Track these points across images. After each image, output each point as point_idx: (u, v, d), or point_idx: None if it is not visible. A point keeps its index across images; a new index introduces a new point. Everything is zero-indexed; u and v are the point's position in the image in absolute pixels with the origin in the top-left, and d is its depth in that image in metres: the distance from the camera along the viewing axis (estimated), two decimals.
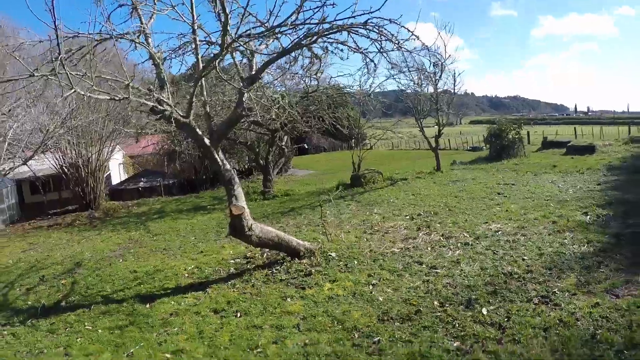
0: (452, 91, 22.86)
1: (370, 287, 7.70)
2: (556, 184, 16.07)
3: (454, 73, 22.86)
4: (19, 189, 28.78)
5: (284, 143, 24.45)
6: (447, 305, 6.62)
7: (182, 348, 6.28)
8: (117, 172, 35.53)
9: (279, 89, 18.05)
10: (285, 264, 9.45)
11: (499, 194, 15.19)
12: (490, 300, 6.55)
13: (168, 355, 6.13)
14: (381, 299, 7.09)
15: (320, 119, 22.63)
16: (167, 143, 31.11)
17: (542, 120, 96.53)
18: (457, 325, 5.97)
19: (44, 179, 28.22)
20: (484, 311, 6.21)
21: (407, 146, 58.55)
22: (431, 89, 22.51)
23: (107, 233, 17.40)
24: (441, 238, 10.31)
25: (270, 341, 6.15)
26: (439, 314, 6.34)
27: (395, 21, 7.98)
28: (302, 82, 18.26)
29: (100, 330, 7.40)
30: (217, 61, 8.24)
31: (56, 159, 24.68)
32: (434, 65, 20.40)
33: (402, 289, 7.40)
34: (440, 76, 21.57)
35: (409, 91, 23.99)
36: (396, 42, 8.36)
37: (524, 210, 12.20)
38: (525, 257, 8.31)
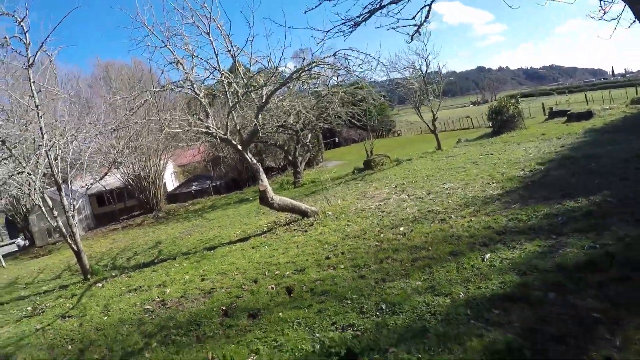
0: (438, 81, 27.51)
1: (346, 226, 12.77)
2: (528, 150, 20.17)
3: (439, 66, 27.58)
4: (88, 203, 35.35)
5: (307, 140, 29.76)
6: (383, 229, 11.60)
7: (233, 262, 11.67)
8: (170, 181, 41.79)
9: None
10: (297, 222, 14.73)
11: (474, 162, 19.55)
12: (408, 225, 11.46)
13: (226, 266, 11.48)
14: (348, 231, 12.17)
15: (337, 116, 27.66)
16: (212, 151, 36.97)
17: (577, 87, 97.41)
18: (382, 236, 10.95)
19: (111, 192, 34.60)
20: (401, 229, 11.15)
21: (438, 128, 62.70)
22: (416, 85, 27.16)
23: (173, 224, 23.21)
24: (406, 197, 15.20)
25: (281, 253, 11.41)
26: (375, 233, 11.34)
27: (355, 49, 12.98)
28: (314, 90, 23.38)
29: (185, 264, 12.91)
30: (241, 99, 13.61)
31: (122, 173, 30.91)
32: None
33: (363, 225, 12.44)
34: (426, 71, 26.36)
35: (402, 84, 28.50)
36: (347, 68, 13.44)
37: (478, 172, 16.74)
38: (450, 201, 13.06)
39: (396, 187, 17.51)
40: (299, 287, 8.49)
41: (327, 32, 8.13)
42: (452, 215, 11.26)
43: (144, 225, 26.53)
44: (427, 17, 7.71)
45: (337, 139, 53.14)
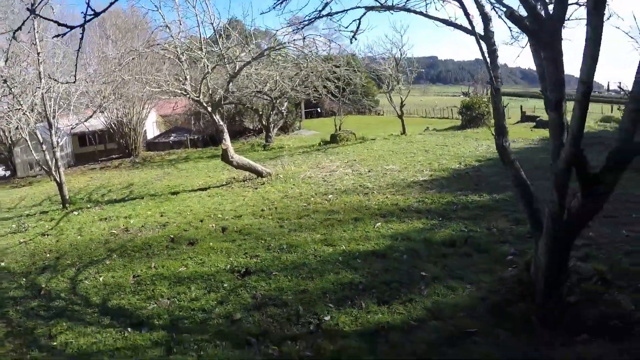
0: (408, 73, 29.94)
1: (289, 189, 15.30)
2: (478, 147, 22.28)
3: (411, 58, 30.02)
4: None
5: (283, 108, 32.12)
6: (317, 194, 14.13)
7: (189, 205, 14.24)
8: (151, 129, 43.82)
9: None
10: (252, 180, 17.27)
11: (425, 150, 22.00)
12: (337, 194, 13.98)
13: (182, 208, 14.01)
14: (289, 192, 14.73)
15: (314, 89, 29.87)
16: (193, 105, 39.06)
17: (568, 96, 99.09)
18: (312, 200, 13.50)
19: (93, 134, 36.65)
20: (329, 197, 13.70)
21: (417, 113, 65.37)
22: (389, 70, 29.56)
23: (147, 170, 25.66)
24: (350, 171, 17.74)
25: (229, 203, 13.98)
26: (308, 197, 13.88)
27: (323, 36, 15.34)
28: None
29: (150, 203, 15.43)
30: (214, 66, 15.93)
31: (105, 117, 33.01)
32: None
33: (303, 189, 14.98)
34: (400, 60, 28.73)
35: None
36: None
37: (423, 160, 19.15)
38: (382, 180, 15.59)
39: (347, 162, 20.03)
40: (231, 227, 11.07)
41: (276, 31, 10.48)
42: (375, 192, 13.76)
43: (121, 168, 28.88)
44: (357, 28, 9.97)
45: (319, 110, 55.44)
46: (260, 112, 31.73)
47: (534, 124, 32.51)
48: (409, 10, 7.77)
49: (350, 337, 5.44)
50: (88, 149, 37.03)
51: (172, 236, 10.94)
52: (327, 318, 5.97)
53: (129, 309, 7.05)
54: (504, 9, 5.68)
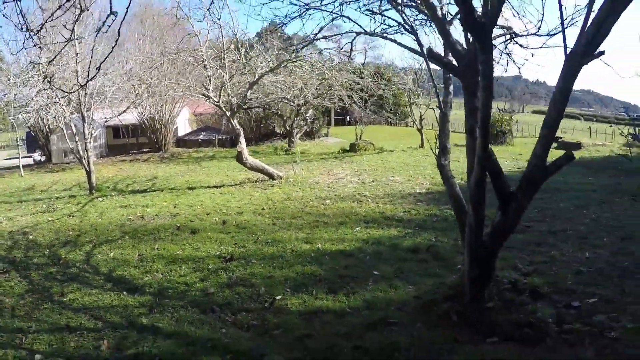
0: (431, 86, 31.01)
1: (293, 192, 16.71)
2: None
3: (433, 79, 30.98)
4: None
5: (308, 114, 33.67)
6: (317, 199, 15.49)
7: (201, 200, 15.83)
8: (183, 126, 45.93)
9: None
10: (264, 181, 18.79)
11: (436, 165, 23.29)
12: (335, 200, 15.31)
13: (194, 202, 15.59)
14: (293, 195, 16.13)
15: (339, 98, 31.24)
16: None
17: (605, 118, 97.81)
18: (310, 203, 14.85)
19: (126, 127, 38.81)
20: (327, 202, 14.99)
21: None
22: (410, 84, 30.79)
23: (173, 165, 27.53)
24: (356, 180, 19.05)
25: (236, 200, 15.51)
26: (307, 200, 15.26)
27: (340, 50, 16.75)
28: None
29: (167, 196, 17.09)
30: (232, 76, 17.53)
31: (139, 112, 35.11)
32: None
33: (306, 193, 16.36)
34: (421, 74, 29.99)
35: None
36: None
37: (429, 174, 20.07)
38: (381, 190, 16.81)
39: (357, 171, 21.36)
40: (231, 221, 12.55)
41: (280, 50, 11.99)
42: (370, 200, 14.98)
43: (149, 162, 30.89)
44: (351, 49, 11.40)
45: (348, 118, 56.80)
46: (285, 118, 33.35)
47: (556, 144, 32.89)
48: (385, 37, 9.19)
49: (293, 314, 6.73)
50: (121, 142, 39.22)
51: (178, 225, 12.48)
52: (279, 298, 7.29)
53: (128, 279, 8.56)
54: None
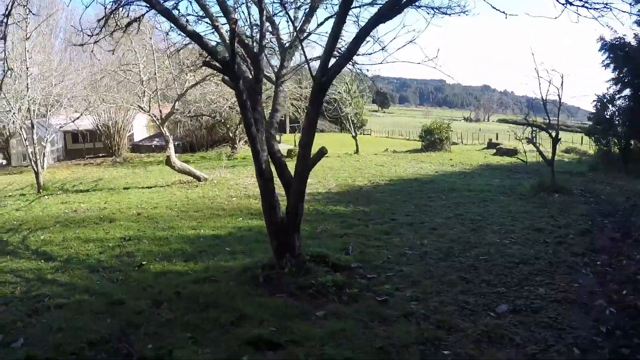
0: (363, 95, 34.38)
1: (210, 192, 19.66)
2: (406, 169, 24.65)
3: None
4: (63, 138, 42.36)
5: None
6: (226, 197, 18.65)
7: (129, 197, 18.97)
8: (140, 131, 48.72)
9: None
10: (191, 183, 21.92)
11: (358, 169, 24.46)
12: (241, 197, 18.53)
13: (123, 199, 18.67)
14: (208, 194, 19.14)
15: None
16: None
17: (568, 127, 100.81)
18: (217, 200, 18.04)
19: (83, 132, 41.50)
20: (233, 199, 18.24)
21: (401, 135, 70.03)
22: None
23: (121, 169, 30.58)
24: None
25: (158, 197, 18.64)
26: (219, 198, 18.47)
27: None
28: None
29: (104, 194, 20.16)
30: (154, 90, 20.69)
31: (93, 119, 38.03)
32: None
33: (222, 192, 19.42)
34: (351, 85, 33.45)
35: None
36: None
37: (344, 176, 22.08)
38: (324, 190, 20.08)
39: None
40: (145, 214, 15.65)
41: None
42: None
43: (101, 166, 33.82)
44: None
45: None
46: (228, 125, 36.53)
47: (495, 150, 34.38)
48: None
49: (150, 273, 9.54)
50: (79, 146, 41.96)
51: (101, 216, 15.57)
52: (145, 263, 10.25)
53: (49, 253, 11.50)
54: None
